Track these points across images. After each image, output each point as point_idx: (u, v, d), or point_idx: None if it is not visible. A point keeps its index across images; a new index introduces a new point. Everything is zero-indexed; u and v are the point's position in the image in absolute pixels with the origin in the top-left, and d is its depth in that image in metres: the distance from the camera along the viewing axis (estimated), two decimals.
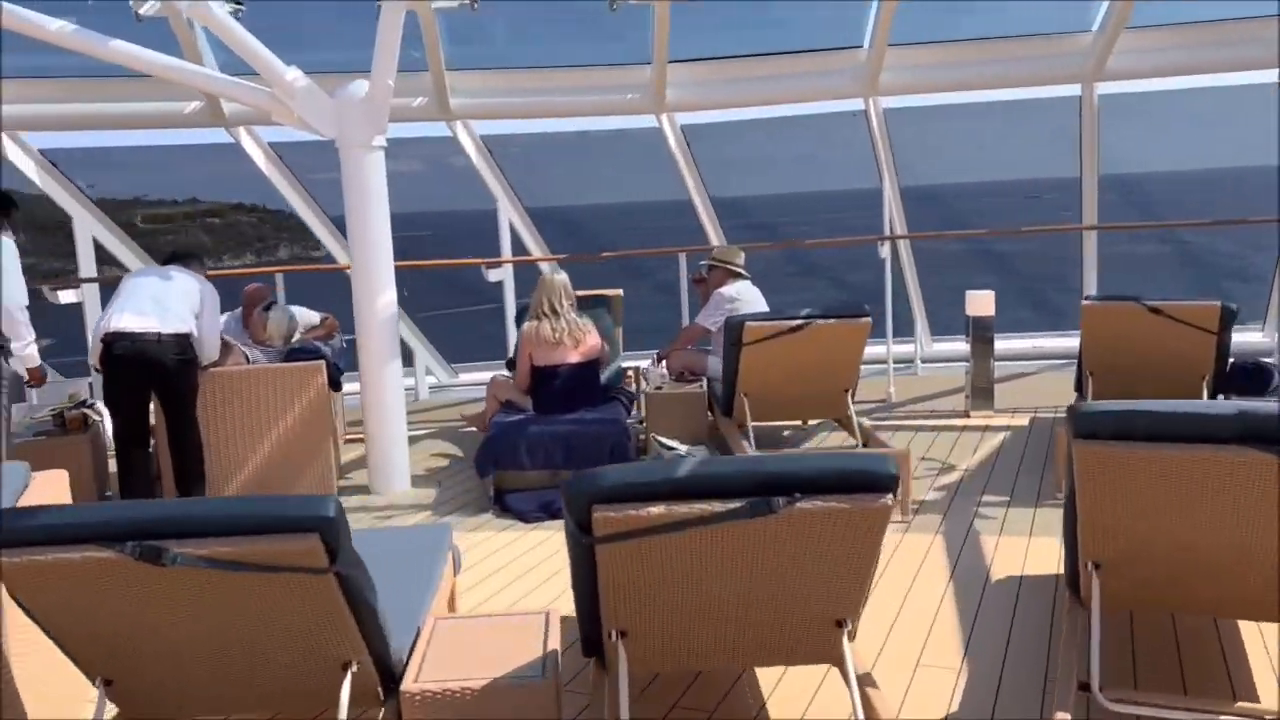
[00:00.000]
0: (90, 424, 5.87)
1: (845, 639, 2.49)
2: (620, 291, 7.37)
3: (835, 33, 7.14)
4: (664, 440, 6.11)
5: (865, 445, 5.61)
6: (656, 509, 2.19)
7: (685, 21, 6.70)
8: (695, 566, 2.31)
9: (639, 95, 7.13)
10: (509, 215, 7.73)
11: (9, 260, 5.01)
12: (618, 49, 7.06)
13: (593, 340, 6.00)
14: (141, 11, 5.76)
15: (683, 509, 2.19)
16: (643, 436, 6.18)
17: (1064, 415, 4.87)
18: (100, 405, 5.86)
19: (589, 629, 2.64)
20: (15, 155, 6.92)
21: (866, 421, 5.88)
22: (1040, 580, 4.13)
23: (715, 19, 7.32)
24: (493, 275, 7.44)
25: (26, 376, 5.24)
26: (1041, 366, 7.77)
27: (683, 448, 6.09)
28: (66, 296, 7.11)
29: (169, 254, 5.61)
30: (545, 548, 4.84)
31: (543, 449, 5.57)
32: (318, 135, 5.62)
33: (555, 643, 2.74)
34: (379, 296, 5.75)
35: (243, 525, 2.10)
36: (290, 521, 2.10)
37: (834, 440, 6.48)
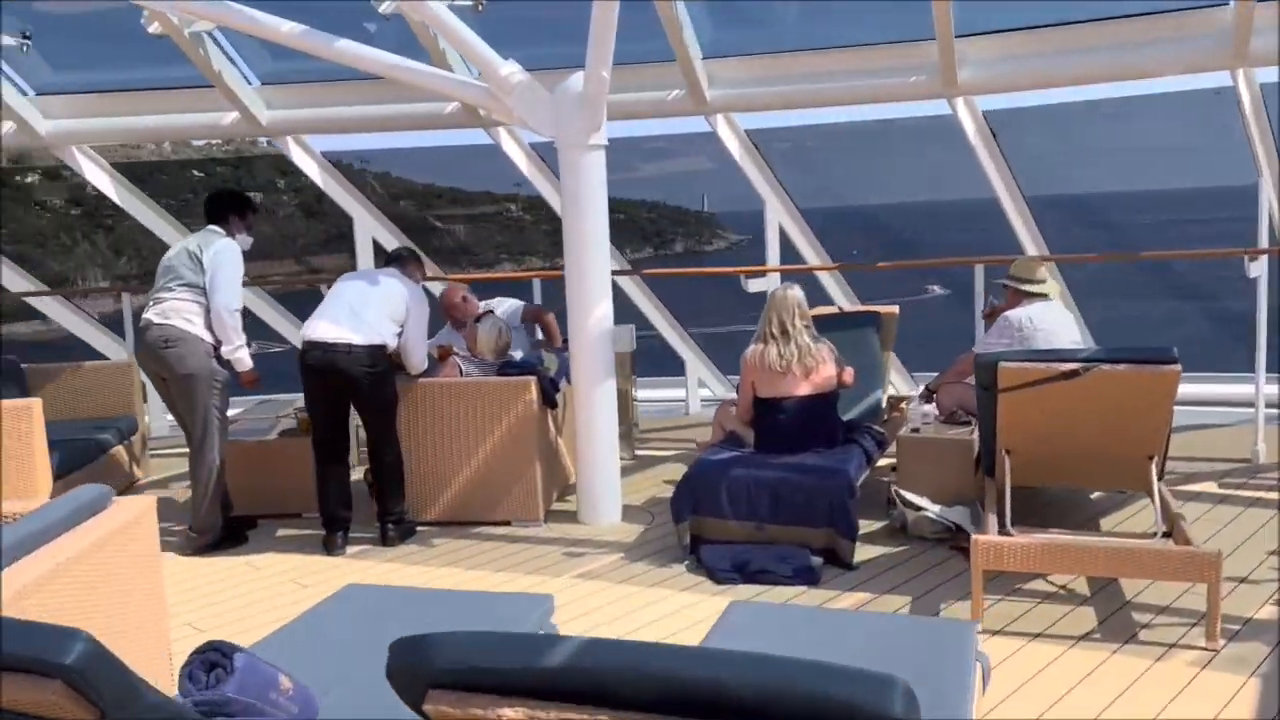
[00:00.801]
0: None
1: None
2: (895, 309, 6.33)
3: None
4: (910, 497, 5.07)
5: (1169, 536, 4.25)
6: (510, 712, 1.44)
7: None
8: None
9: (925, 77, 6.03)
10: (778, 217, 6.93)
11: (227, 263, 5.06)
12: (902, 22, 6.01)
13: (827, 371, 5.09)
14: (381, 9, 5.66)
15: (545, 717, 1.42)
16: (891, 489, 5.19)
17: None
18: None
19: None
20: (300, 158, 7.22)
21: (1173, 502, 4.47)
22: None
23: None
24: (754, 285, 6.69)
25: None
26: None
27: (934, 508, 5.03)
28: None
29: (387, 255, 5.47)
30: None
31: (746, 497, 4.78)
32: (538, 135, 5.22)
33: None
34: (595, 307, 5.25)
35: None
36: (24, 661, 1.59)
37: (1138, 520, 5.09)
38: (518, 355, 5.95)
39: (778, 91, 6.37)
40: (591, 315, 5.26)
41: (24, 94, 6.94)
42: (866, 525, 5.15)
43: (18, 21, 6.34)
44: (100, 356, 7.84)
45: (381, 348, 5.02)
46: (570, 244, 5.21)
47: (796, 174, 7.39)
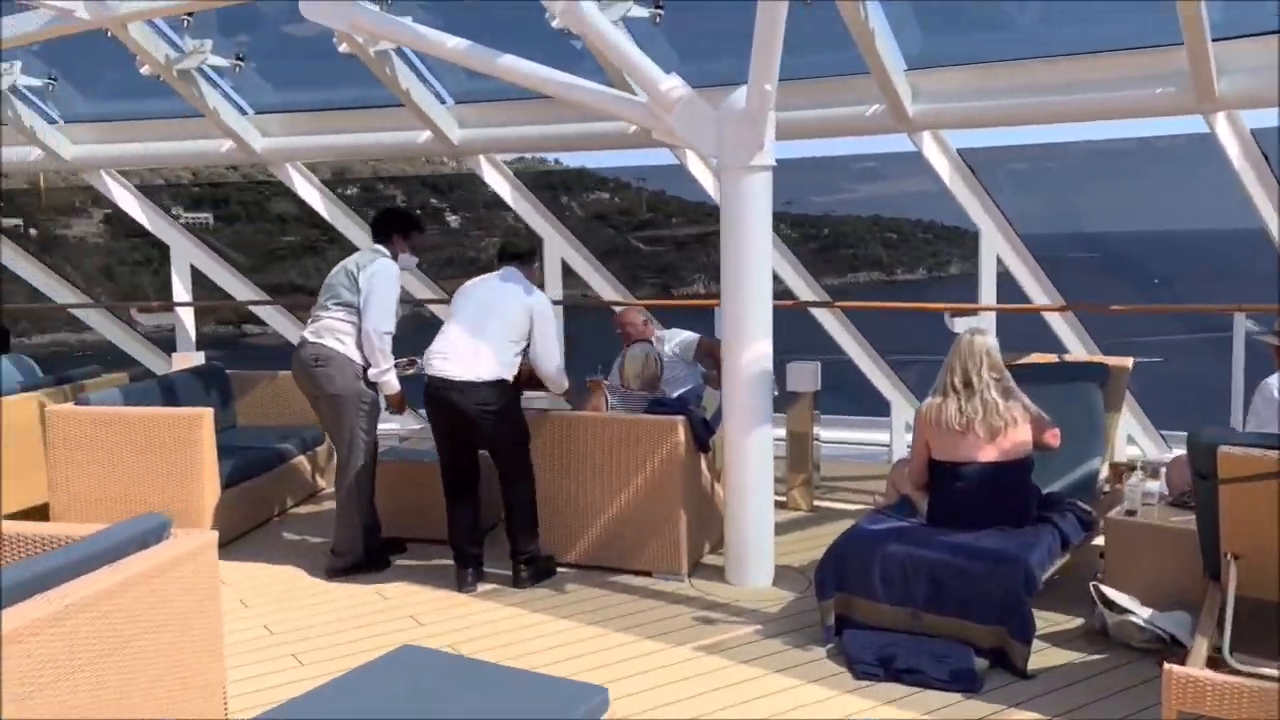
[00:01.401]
0: None
1: None
2: (1129, 361, 5.38)
3: None
4: (1115, 595, 4.19)
5: None
6: None
7: None
8: None
9: (1175, 89, 5.07)
10: (995, 247, 6.10)
11: (381, 284, 4.97)
12: (1152, 24, 5.08)
13: (1018, 435, 4.31)
14: (554, 24, 5.40)
15: None
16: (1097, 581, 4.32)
17: None
18: None
19: None
20: (491, 177, 7.14)
21: None
22: None
23: None
24: (959, 324, 5.92)
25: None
26: None
27: (1143, 612, 4.13)
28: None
29: (501, 249, 5.08)
30: None
31: (902, 577, 4.09)
32: (704, 157, 4.78)
33: None
34: (751, 344, 4.73)
35: None
36: None
37: None
38: (678, 391, 5.55)
39: (995, 106, 5.58)
40: (747, 352, 4.74)
41: (243, 113, 7.26)
42: (1058, 622, 4.33)
43: (232, 44, 6.63)
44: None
45: (499, 383, 4.73)
46: (728, 273, 4.73)
47: (1027, 198, 6.49)
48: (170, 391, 6.21)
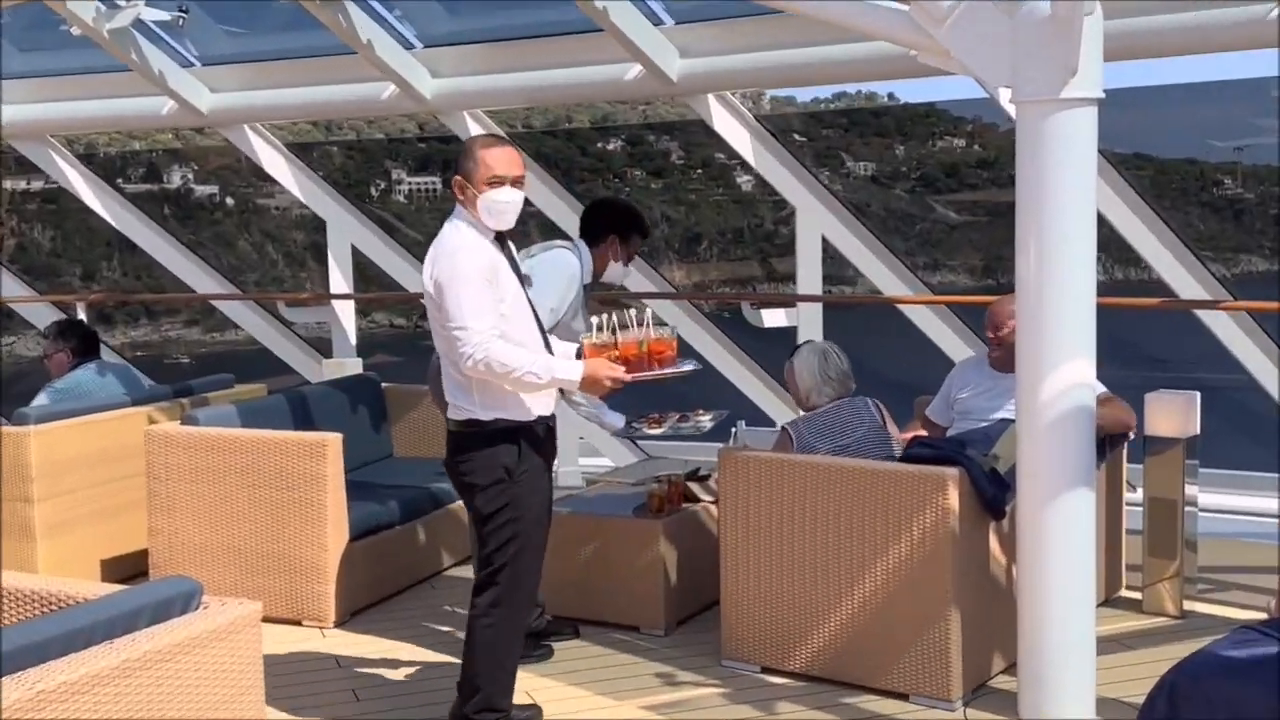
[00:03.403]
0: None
1: None
2: None
3: None
4: None
5: None
6: None
7: None
8: None
9: None
10: None
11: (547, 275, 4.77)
12: None
13: None
14: None
15: None
16: None
17: None
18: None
19: None
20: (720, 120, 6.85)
21: None
22: None
23: None
24: None
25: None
26: None
27: None
28: (774, 318, 6.84)
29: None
30: None
31: None
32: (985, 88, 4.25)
33: None
34: (1062, 362, 4.08)
35: None
36: None
37: None
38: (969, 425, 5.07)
39: None
40: (1054, 376, 4.10)
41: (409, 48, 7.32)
42: None
43: None
44: None
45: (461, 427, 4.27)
46: (1024, 253, 4.13)
47: None
48: (303, 409, 6.23)
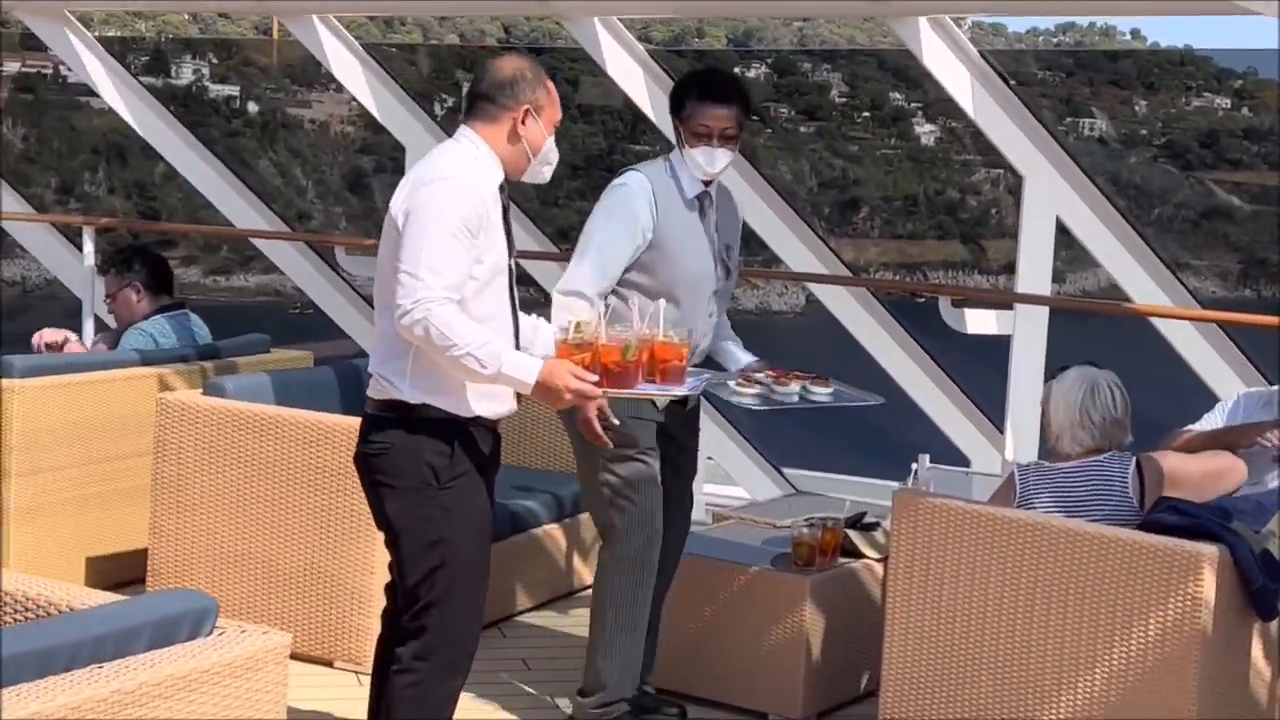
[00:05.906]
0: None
1: None
2: None
3: None
4: None
5: None
6: None
7: None
8: None
9: None
10: None
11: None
12: None
13: None
14: None
15: None
16: None
17: None
18: None
19: None
20: None
21: None
22: None
23: None
24: None
25: None
26: None
27: None
28: (980, 322, 6.87)
29: None
30: None
31: None
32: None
33: None
34: None
35: None
36: None
37: None
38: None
39: None
40: None
41: None
42: None
43: None
44: None
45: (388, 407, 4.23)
46: None
47: None
48: (356, 388, 6.32)
